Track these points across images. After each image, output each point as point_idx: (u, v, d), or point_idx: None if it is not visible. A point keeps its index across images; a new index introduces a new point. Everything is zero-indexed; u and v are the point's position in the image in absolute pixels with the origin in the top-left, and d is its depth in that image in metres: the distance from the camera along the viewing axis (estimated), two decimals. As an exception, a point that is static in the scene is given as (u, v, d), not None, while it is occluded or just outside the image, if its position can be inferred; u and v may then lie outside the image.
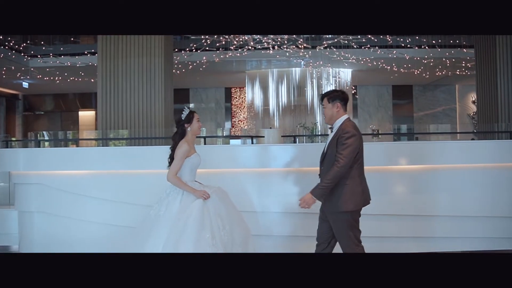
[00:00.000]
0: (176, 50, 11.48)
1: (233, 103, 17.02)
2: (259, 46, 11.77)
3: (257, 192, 5.34)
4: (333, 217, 3.66)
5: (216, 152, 5.40)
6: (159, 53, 8.36)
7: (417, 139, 7.41)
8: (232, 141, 8.21)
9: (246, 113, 16.04)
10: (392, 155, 5.37)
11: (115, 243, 4.61)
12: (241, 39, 11.35)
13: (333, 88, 4.22)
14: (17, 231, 5.85)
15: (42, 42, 12.21)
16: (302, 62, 12.80)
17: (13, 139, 11.81)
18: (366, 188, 3.73)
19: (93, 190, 5.42)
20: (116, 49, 8.36)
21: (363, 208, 3.71)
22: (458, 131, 11.97)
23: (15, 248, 5.98)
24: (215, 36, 11.27)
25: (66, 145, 7.06)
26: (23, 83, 14.18)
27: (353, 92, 15.03)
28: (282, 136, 8.12)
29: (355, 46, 12.06)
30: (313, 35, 11.76)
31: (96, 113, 12.64)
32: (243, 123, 16.56)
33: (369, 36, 11.47)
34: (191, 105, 16.39)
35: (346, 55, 12.05)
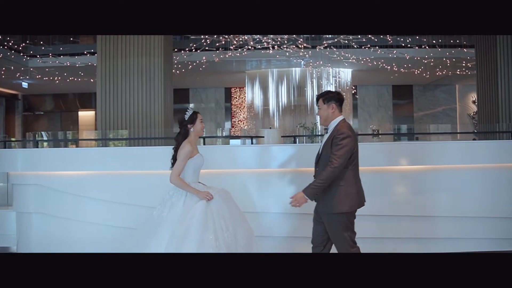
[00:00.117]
0: (176, 50, 11.47)
1: (233, 103, 17.01)
2: (259, 46, 11.76)
3: (257, 193, 5.32)
4: (328, 218, 3.64)
5: (216, 152, 5.38)
6: (159, 53, 8.35)
7: (417, 139, 7.40)
8: (232, 141, 8.21)
9: (246, 113, 16.02)
10: (392, 155, 5.35)
11: (115, 244, 4.58)
12: (241, 39, 11.34)
13: (329, 89, 4.21)
14: (15, 232, 5.83)
15: (42, 42, 12.19)
16: (302, 62, 12.79)
17: (13, 139, 11.80)
18: (361, 189, 3.72)
19: (92, 191, 5.40)
20: (116, 49, 8.35)
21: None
22: (458, 131, 11.97)
23: (13, 249, 5.96)
24: (215, 36, 11.25)
25: (66, 146, 7.05)
26: (23, 83, 14.17)
27: (353, 92, 15.02)
28: (282, 137, 8.11)
29: (355, 46, 12.04)
30: (313, 35, 11.75)
31: (96, 113, 12.63)
32: (243, 123, 16.55)
33: (369, 36, 11.45)
34: (191, 105, 16.38)
35: (346, 55, 12.03)
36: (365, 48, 12.11)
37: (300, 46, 11.60)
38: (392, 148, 5.52)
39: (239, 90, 16.86)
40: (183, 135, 3.95)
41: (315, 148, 3.90)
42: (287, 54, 11.87)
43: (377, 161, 5.18)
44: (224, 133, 10.91)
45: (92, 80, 12.62)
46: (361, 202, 3.69)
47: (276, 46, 11.55)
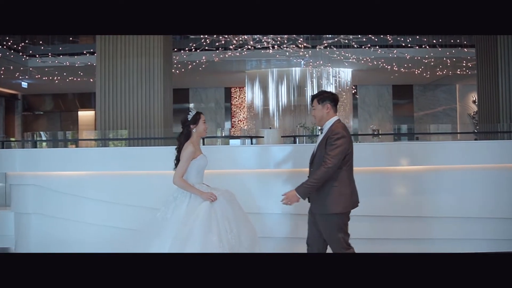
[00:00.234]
0: (176, 49, 11.45)
1: (233, 103, 17.00)
2: (259, 46, 11.74)
3: (257, 193, 5.30)
4: (322, 219, 3.63)
5: (216, 152, 5.36)
6: (158, 53, 8.34)
7: (417, 139, 7.40)
8: (232, 142, 8.20)
9: (246, 113, 16.01)
10: (392, 155, 5.33)
11: (114, 245, 4.56)
12: (240, 39, 11.32)
13: (323, 89, 4.20)
14: (13, 233, 5.81)
15: (41, 42, 12.18)
16: (302, 62, 12.77)
17: (12, 139, 11.79)
18: (355, 190, 3.71)
19: (91, 191, 5.38)
20: (115, 49, 8.33)
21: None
22: (458, 131, 11.96)
23: (11, 250, 5.93)
24: (215, 36, 11.23)
25: (65, 146, 7.03)
26: (22, 83, 14.15)
27: (353, 92, 15.01)
28: (282, 137, 8.10)
29: (355, 46, 12.03)
30: (313, 35, 11.73)
31: (95, 113, 12.62)
32: (243, 123, 16.54)
33: (370, 35, 11.44)
34: (191, 105, 16.37)
35: (346, 54, 12.02)
36: (365, 47, 12.10)
37: (300, 46, 11.58)
38: (392, 148, 5.50)
39: (239, 90, 16.85)
40: (186, 135, 3.91)
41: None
42: (287, 54, 11.85)
43: (377, 161, 5.16)
44: (224, 133, 10.91)
45: (91, 80, 12.60)
46: (355, 203, 3.68)
47: (276, 46, 11.53)
